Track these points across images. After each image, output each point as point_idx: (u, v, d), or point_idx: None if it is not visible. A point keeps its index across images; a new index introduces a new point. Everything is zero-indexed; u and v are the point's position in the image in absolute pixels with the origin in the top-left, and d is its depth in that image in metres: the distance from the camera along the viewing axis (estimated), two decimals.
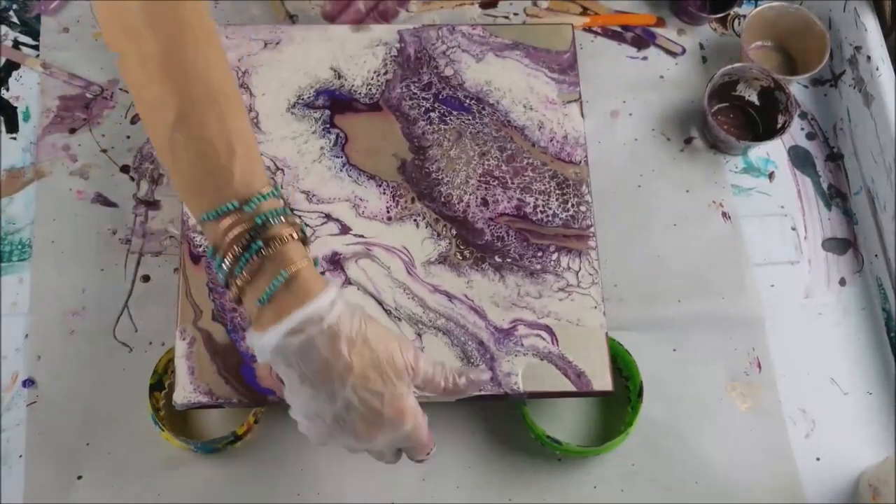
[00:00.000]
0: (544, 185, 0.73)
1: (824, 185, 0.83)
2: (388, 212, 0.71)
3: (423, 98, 0.75)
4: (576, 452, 0.69)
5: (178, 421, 0.70)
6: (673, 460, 0.71)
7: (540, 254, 0.70)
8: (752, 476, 0.70)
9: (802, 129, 0.86)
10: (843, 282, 0.79)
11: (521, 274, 0.69)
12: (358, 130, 0.74)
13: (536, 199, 0.72)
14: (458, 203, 0.71)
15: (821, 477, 0.71)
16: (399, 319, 0.67)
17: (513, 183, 0.72)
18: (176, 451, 0.69)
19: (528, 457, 0.71)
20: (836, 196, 0.83)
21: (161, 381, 0.70)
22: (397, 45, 0.77)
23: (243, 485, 0.69)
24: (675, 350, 0.75)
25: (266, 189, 0.53)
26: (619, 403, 0.72)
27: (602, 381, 0.67)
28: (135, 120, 0.81)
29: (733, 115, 0.84)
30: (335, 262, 0.69)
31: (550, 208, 0.72)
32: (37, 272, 0.75)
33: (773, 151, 0.84)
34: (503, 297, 0.69)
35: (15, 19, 0.86)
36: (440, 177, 0.72)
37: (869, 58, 0.82)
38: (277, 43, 0.76)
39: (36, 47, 0.85)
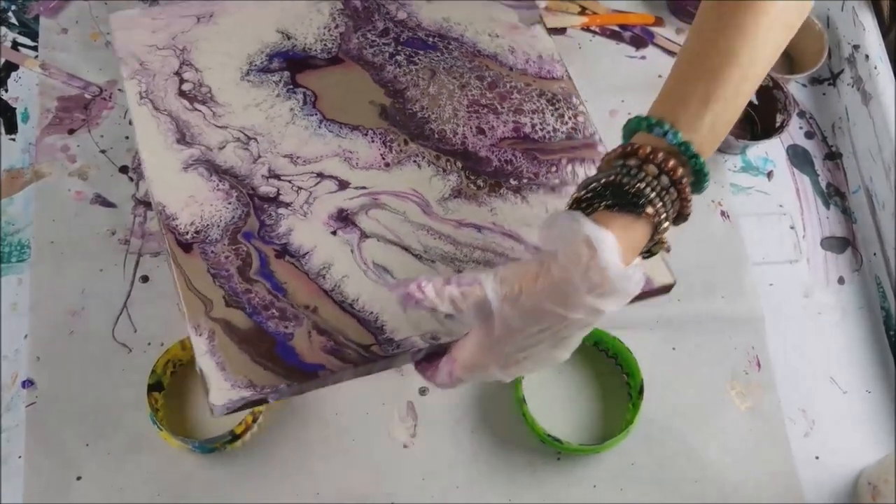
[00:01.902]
0: (535, 103, 0.70)
1: (823, 184, 0.83)
2: (383, 158, 0.67)
3: (384, 44, 0.72)
4: (576, 451, 0.69)
5: (176, 421, 0.70)
6: (672, 459, 0.71)
7: (554, 169, 0.67)
8: (751, 475, 0.70)
9: (801, 127, 0.86)
10: (841, 280, 0.79)
11: (543, 191, 0.66)
12: (325, 85, 0.70)
13: (532, 118, 0.69)
14: (454, 136, 0.68)
15: (820, 476, 0.71)
16: (432, 262, 0.63)
17: (503, 108, 0.70)
18: (175, 451, 0.69)
19: (528, 456, 0.71)
20: (834, 195, 0.83)
21: (160, 382, 0.70)
22: None
23: (242, 484, 0.69)
24: (674, 349, 0.75)
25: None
26: (619, 402, 0.72)
27: (662, 275, 0.62)
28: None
29: None
30: (344, 218, 0.64)
31: (549, 124, 0.69)
32: (36, 273, 0.75)
33: (771, 150, 0.84)
34: (532, 217, 0.65)
35: (14, 20, 0.86)
36: (427, 115, 0.69)
37: (867, 56, 0.82)
38: (211, 16, 0.73)
39: (35, 48, 0.85)
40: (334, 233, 0.64)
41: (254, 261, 0.62)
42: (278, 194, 0.65)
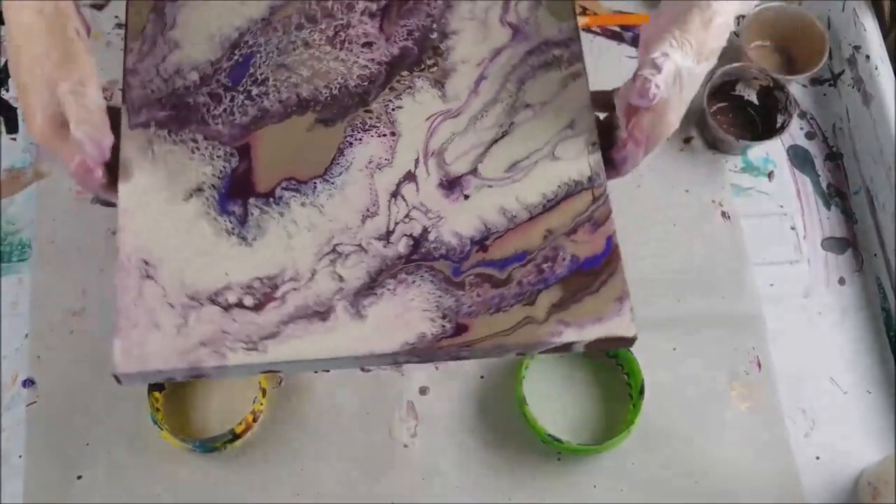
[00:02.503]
0: None
1: (823, 185, 0.83)
2: (384, 135, 0.65)
3: (229, 103, 0.66)
4: (576, 451, 0.69)
5: (176, 421, 0.70)
6: (673, 459, 0.71)
7: None
8: (751, 475, 0.70)
9: (802, 128, 0.86)
10: (842, 281, 0.79)
11: (457, 9, 0.68)
12: (276, 167, 0.64)
13: None
14: (369, 69, 0.67)
15: (820, 476, 0.71)
16: (512, 124, 0.64)
17: (343, 17, 0.68)
18: (175, 451, 0.69)
19: (528, 456, 0.71)
20: (835, 195, 0.83)
21: (160, 381, 0.70)
22: (144, 121, 0.66)
23: (243, 484, 0.69)
24: (674, 349, 0.75)
25: None
26: (619, 402, 0.72)
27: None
28: None
29: (732, 115, 0.85)
30: (450, 184, 0.63)
31: None
32: (37, 272, 0.75)
33: (772, 151, 0.84)
34: (489, 25, 0.67)
35: None
36: (337, 84, 0.67)
37: (868, 57, 0.82)
38: (147, 263, 0.63)
39: None
40: (467, 196, 0.63)
41: (488, 269, 0.61)
42: (410, 237, 0.62)
